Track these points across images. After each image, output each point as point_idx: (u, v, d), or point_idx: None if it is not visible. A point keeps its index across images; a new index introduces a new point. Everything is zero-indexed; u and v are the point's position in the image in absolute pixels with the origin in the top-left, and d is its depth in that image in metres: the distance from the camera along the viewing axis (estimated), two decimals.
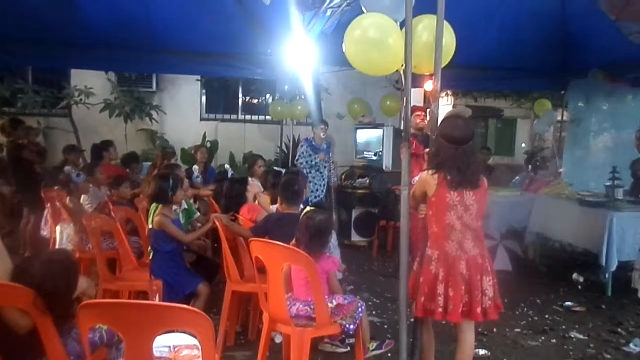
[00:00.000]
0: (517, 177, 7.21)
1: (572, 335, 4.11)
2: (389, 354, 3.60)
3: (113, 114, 8.65)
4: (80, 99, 8.42)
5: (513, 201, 6.11)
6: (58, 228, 3.97)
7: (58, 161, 6.94)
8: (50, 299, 2.14)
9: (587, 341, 4.02)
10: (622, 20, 5.69)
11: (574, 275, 5.39)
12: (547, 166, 8.71)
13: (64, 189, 4.95)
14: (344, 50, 2.91)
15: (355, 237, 6.86)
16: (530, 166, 7.90)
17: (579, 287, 5.25)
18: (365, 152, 7.80)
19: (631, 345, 3.92)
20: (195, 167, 6.65)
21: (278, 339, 3.64)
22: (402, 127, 2.97)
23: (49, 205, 5.17)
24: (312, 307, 2.90)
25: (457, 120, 2.82)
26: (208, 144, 9.00)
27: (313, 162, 6.35)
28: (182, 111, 9.57)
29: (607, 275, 4.97)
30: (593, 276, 5.19)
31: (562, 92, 7.80)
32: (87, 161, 6.99)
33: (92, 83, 8.46)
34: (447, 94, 13.82)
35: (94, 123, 8.73)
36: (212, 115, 9.92)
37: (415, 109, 4.78)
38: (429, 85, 3.72)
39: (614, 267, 4.87)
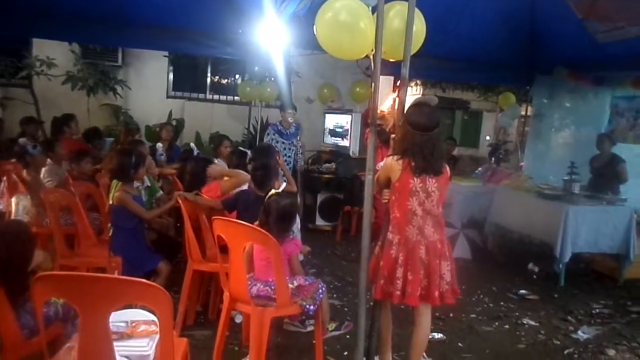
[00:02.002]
0: (479, 169, 7.36)
1: (525, 322, 4.26)
2: (348, 336, 3.66)
3: (76, 87, 8.36)
4: (42, 70, 8.09)
5: (475, 192, 6.25)
6: (14, 199, 3.85)
7: (16, 133, 6.70)
8: (3, 270, 2.08)
9: (538, 328, 4.17)
10: (588, 20, 5.84)
11: (530, 265, 5.58)
12: (510, 159, 8.92)
13: (20, 161, 4.79)
14: (315, 32, 2.90)
15: (319, 222, 6.90)
16: (493, 158, 8.07)
17: (534, 276, 5.44)
18: (333, 137, 7.83)
19: (579, 332, 4.09)
20: (159, 144, 6.53)
21: (238, 319, 3.65)
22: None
23: (5, 178, 5.00)
24: (272, 287, 2.90)
25: (423, 108, 2.86)
26: (174, 122, 8.83)
27: (280, 148, 6.33)
28: (148, 88, 9.34)
29: (560, 266, 5.14)
30: (547, 267, 5.36)
31: (528, 87, 7.96)
32: (47, 134, 6.78)
33: (54, 54, 8.15)
34: (416, 84, 13.96)
35: (55, 95, 8.43)
36: (179, 94, 9.72)
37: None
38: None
39: (567, 258, 5.06)
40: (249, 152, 4.95)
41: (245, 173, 4.20)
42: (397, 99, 3.42)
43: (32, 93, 8.35)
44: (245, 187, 4.15)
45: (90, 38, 6.86)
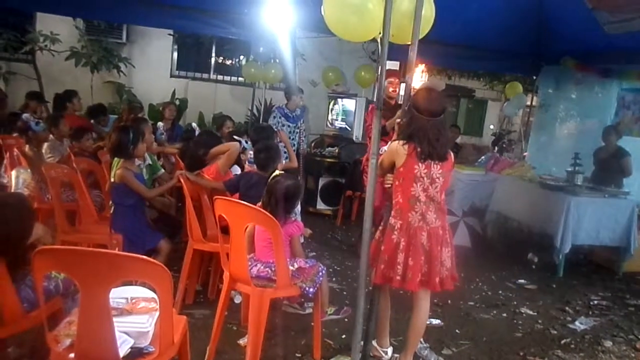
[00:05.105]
0: (482, 157, 7.33)
1: (522, 311, 4.27)
2: (346, 319, 3.67)
3: (79, 64, 8.31)
4: (45, 45, 8.04)
5: (477, 180, 6.24)
6: (14, 172, 3.83)
7: (18, 107, 6.66)
8: (3, 243, 2.07)
9: (536, 317, 4.18)
10: (598, 10, 5.75)
11: (529, 255, 5.57)
12: (513, 149, 8.89)
13: (22, 136, 4.77)
14: (322, 12, 2.85)
15: (320, 205, 6.89)
16: (496, 148, 8.05)
17: (533, 266, 5.44)
18: (336, 122, 7.80)
19: (576, 323, 4.10)
20: (160, 123, 6.50)
21: (237, 299, 3.66)
22: (375, 97, 2.94)
23: (7, 154, 4.98)
24: (273, 268, 2.90)
25: (430, 93, 2.83)
26: (177, 102, 8.80)
27: (285, 131, 6.30)
28: (152, 66, 9.28)
29: (560, 257, 5.14)
30: (547, 257, 5.35)
31: (534, 77, 7.89)
32: (50, 111, 6.74)
33: (58, 29, 8.08)
34: (421, 71, 13.85)
35: (59, 71, 8.39)
36: (182, 73, 9.66)
37: (390, 74, 4.72)
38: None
39: (567, 249, 5.06)
40: (244, 141, 4.88)
41: (234, 143, 4.22)
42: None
43: (35, 68, 8.30)
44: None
45: (94, 13, 6.80)
